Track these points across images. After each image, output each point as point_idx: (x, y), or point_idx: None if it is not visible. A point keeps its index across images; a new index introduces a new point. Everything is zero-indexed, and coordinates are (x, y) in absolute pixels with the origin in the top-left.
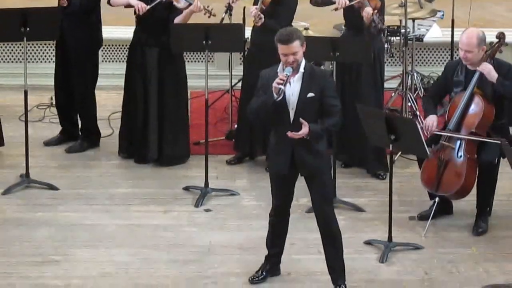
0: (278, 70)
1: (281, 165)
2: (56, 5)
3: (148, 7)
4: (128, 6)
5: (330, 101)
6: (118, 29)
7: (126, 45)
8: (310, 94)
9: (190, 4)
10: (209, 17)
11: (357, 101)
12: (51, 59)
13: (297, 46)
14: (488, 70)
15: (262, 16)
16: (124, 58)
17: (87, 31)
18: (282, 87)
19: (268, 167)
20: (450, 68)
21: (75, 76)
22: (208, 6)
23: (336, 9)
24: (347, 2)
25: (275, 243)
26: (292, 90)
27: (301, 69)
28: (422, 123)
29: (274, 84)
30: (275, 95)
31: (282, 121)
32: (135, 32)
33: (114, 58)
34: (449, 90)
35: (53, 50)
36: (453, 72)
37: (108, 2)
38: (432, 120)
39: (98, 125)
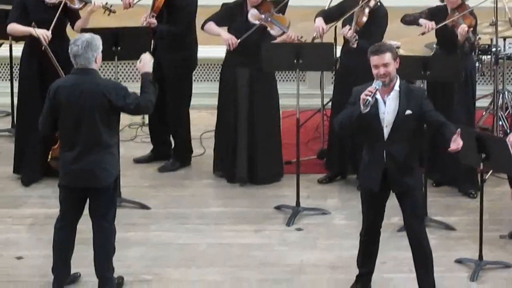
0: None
1: (373, 183)
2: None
3: (239, 40)
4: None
5: (436, 114)
6: (208, 48)
7: (217, 65)
8: (408, 112)
9: (284, 33)
10: None
11: (449, 120)
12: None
13: (388, 58)
14: None
15: (357, 37)
16: (215, 78)
17: (181, 52)
18: (369, 98)
19: (360, 185)
20: None
21: (170, 96)
22: (301, 37)
23: (423, 33)
24: (434, 26)
25: (366, 262)
26: (388, 108)
27: (396, 88)
28: None
29: (362, 96)
30: (362, 107)
31: (376, 138)
32: (227, 52)
33: (205, 78)
34: None
35: None
36: None
37: (202, 27)
38: None
39: (191, 144)
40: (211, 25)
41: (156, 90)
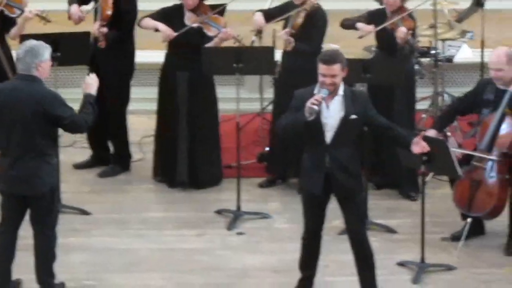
0: (314, 92)
1: (315, 186)
2: (86, 30)
3: (175, 34)
4: (157, 30)
5: (380, 118)
6: (147, 53)
7: (155, 69)
8: (353, 116)
9: (220, 32)
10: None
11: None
12: (81, 84)
13: (337, 69)
14: None
15: (292, 40)
16: (153, 82)
17: (120, 58)
18: (316, 107)
19: (300, 189)
20: (481, 86)
21: (110, 102)
22: (238, 35)
23: (361, 36)
24: (371, 29)
25: (308, 265)
26: (331, 113)
27: (340, 92)
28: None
29: (308, 104)
30: (307, 115)
31: (318, 142)
32: (166, 56)
33: (145, 82)
34: (476, 108)
35: (83, 75)
36: (483, 90)
37: (138, 24)
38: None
39: (129, 149)
40: (147, 20)
41: (95, 112)
